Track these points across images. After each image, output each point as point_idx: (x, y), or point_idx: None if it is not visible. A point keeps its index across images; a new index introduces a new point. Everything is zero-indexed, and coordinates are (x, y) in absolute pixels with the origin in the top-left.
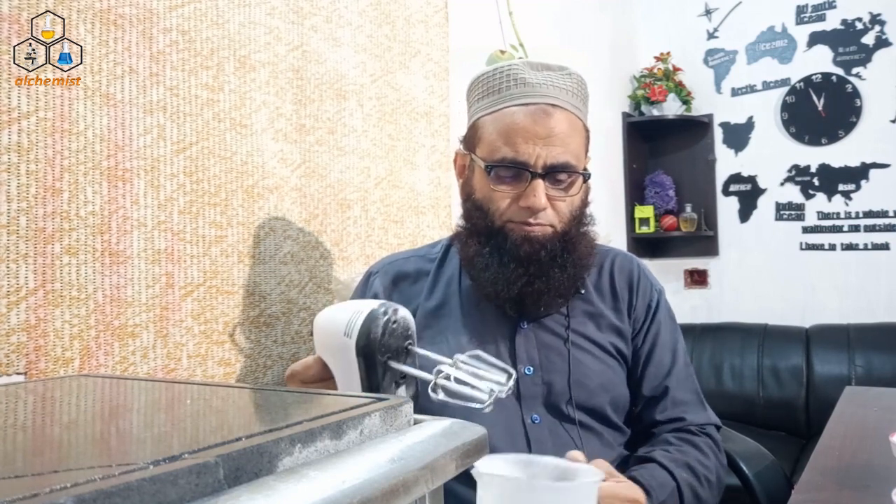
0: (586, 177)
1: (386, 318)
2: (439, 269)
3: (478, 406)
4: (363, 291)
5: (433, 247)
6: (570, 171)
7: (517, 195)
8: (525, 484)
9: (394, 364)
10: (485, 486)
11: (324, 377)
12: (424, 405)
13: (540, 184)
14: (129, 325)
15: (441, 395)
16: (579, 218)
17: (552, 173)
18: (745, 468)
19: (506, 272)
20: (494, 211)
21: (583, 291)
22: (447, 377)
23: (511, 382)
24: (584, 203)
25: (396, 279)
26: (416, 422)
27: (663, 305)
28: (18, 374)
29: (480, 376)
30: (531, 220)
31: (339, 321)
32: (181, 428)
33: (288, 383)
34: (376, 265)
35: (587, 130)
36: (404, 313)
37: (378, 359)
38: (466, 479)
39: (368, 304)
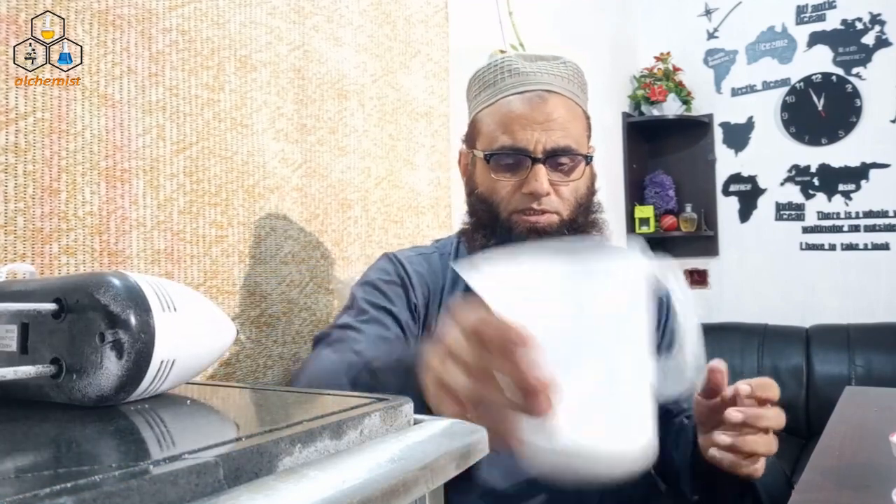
0: (588, 159)
1: None
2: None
3: None
4: (397, 273)
5: (444, 244)
6: (571, 153)
7: (519, 182)
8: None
9: None
10: None
11: None
12: None
13: (541, 168)
14: None
15: None
16: (586, 205)
17: (553, 157)
18: None
19: None
20: (499, 202)
21: None
22: None
23: None
24: (591, 190)
25: (426, 269)
26: (416, 422)
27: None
28: None
29: None
30: (535, 207)
31: None
32: (181, 428)
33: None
34: (401, 254)
35: (587, 118)
36: None
37: None
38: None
39: None
